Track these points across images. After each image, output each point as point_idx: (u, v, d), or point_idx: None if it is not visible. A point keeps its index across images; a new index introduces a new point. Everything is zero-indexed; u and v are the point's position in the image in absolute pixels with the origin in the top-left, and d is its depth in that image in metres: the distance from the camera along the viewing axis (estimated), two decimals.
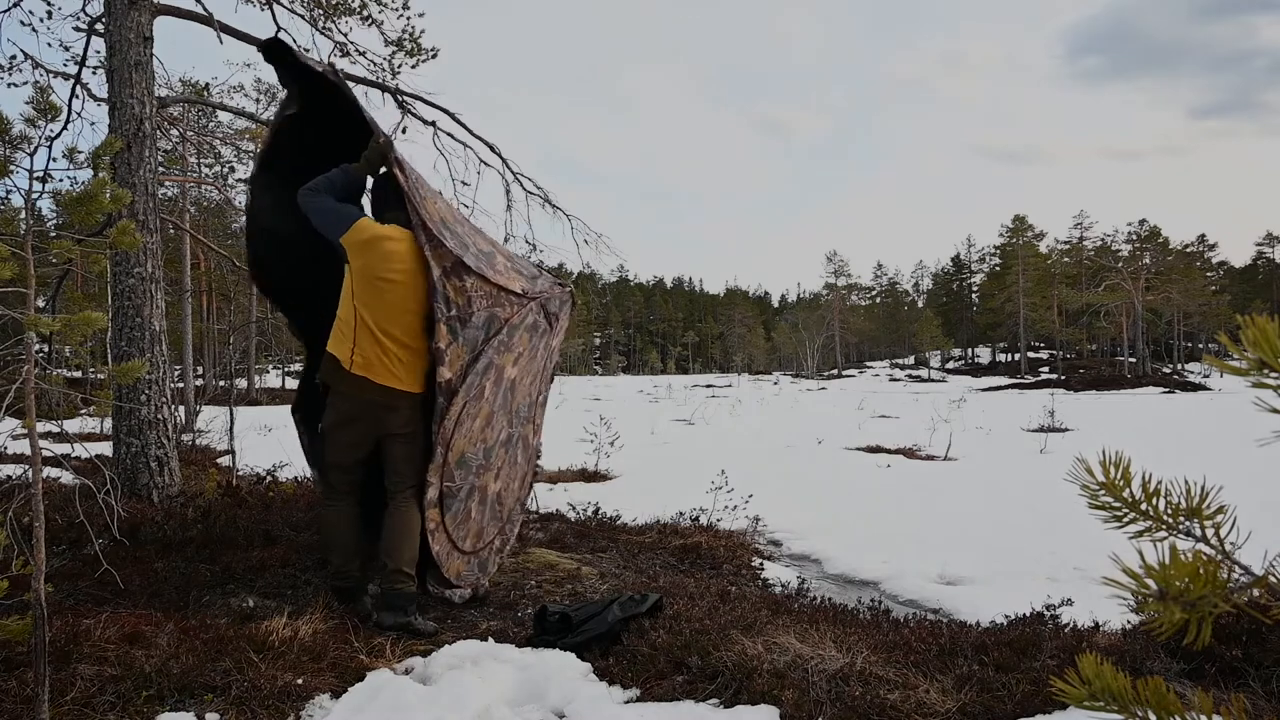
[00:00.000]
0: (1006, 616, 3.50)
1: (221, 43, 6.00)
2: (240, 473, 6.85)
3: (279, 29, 6.57)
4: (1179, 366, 53.75)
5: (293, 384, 34.39)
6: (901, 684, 2.65)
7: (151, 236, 5.20)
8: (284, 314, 4.27)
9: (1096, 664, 0.85)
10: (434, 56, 7.28)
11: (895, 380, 53.98)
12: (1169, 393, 32.96)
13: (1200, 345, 61.96)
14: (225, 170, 20.33)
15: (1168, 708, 0.82)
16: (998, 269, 70.25)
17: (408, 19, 7.11)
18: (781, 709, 2.52)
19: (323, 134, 3.96)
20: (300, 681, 2.67)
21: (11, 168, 2.37)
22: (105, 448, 5.61)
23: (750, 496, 6.64)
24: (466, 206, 7.25)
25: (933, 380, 53.28)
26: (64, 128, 6.37)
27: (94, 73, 6.60)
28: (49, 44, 21.59)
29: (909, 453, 11.72)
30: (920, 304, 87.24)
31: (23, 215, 2.58)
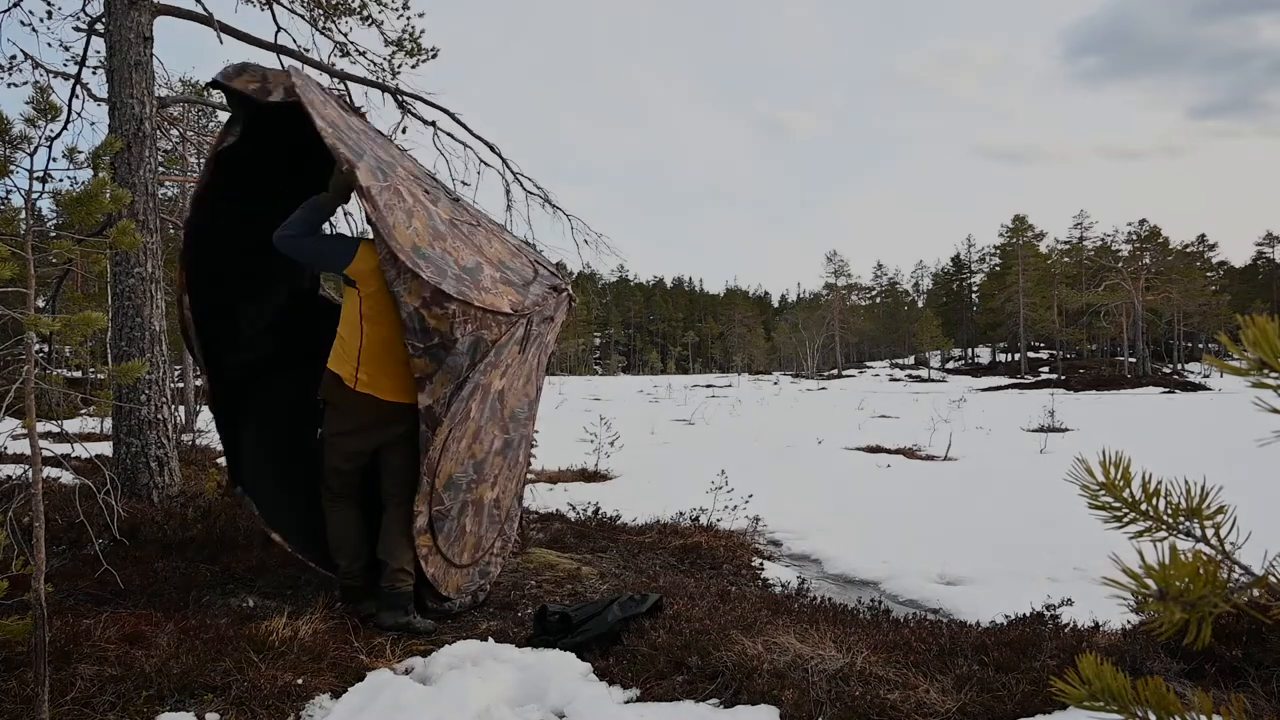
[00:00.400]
0: (1006, 616, 3.50)
1: (221, 43, 6.00)
2: None
3: (279, 29, 6.57)
4: (1179, 366, 53.75)
5: None
6: (901, 684, 2.65)
7: (151, 236, 5.20)
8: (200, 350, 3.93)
9: (1096, 664, 0.85)
10: (434, 56, 7.28)
11: (895, 380, 53.97)
12: (1169, 393, 32.95)
13: (1200, 345, 61.96)
14: None
15: (1168, 708, 0.82)
16: (998, 269, 70.26)
17: (408, 19, 7.11)
18: (781, 709, 2.52)
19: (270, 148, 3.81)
20: (300, 681, 2.67)
21: (11, 168, 2.37)
22: (105, 448, 5.61)
23: (750, 496, 6.64)
24: None
25: (933, 380, 53.27)
26: (64, 128, 6.37)
27: (94, 73, 6.60)
28: (49, 44, 21.61)
29: (909, 453, 11.72)
30: (920, 304, 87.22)
31: (23, 215, 2.58)
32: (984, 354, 78.40)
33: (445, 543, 3.47)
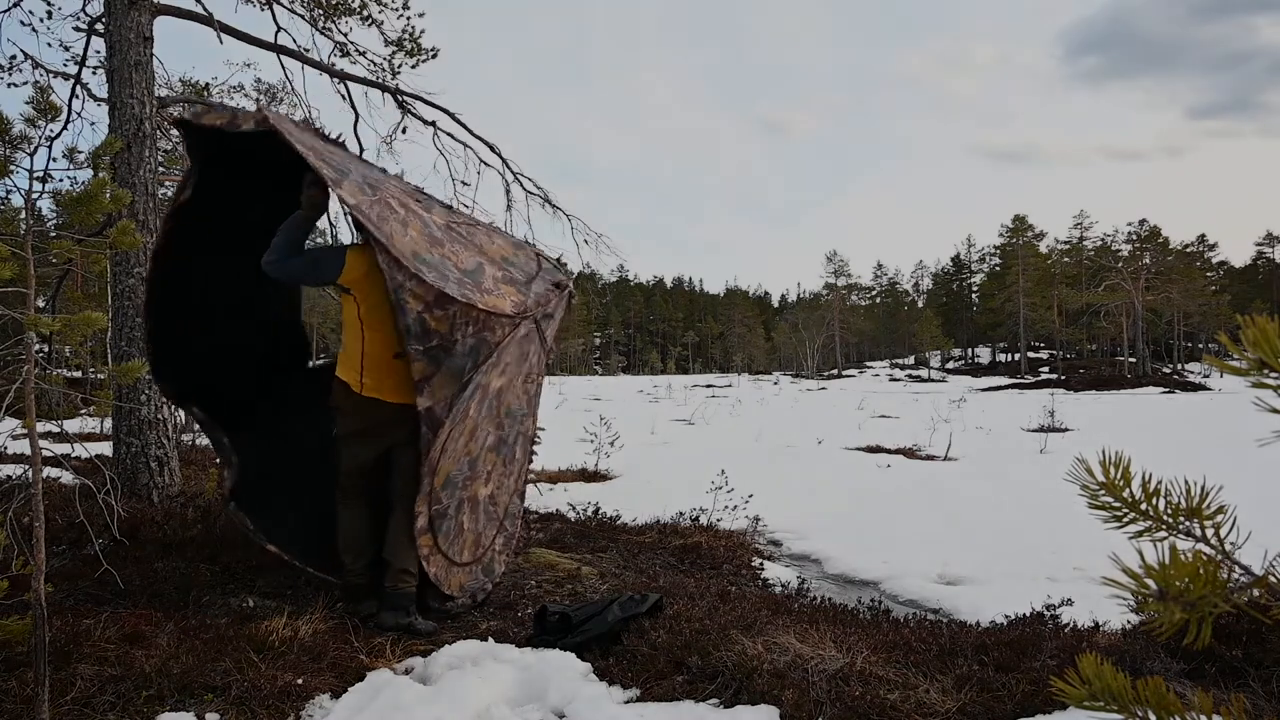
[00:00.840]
0: (1006, 616, 3.50)
1: (221, 43, 6.01)
2: None
3: (279, 29, 6.57)
4: (1179, 366, 53.76)
5: None
6: (901, 684, 2.65)
7: (151, 236, 5.19)
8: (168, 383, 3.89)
9: (1096, 664, 0.85)
10: (434, 56, 7.29)
11: (895, 380, 53.98)
12: (1169, 393, 32.97)
13: (1200, 345, 61.97)
14: None
15: (1168, 708, 0.82)
16: (998, 269, 70.30)
17: (408, 19, 7.11)
18: (781, 709, 2.52)
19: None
20: (300, 681, 2.67)
21: (11, 168, 2.37)
22: (105, 448, 5.61)
23: (750, 496, 6.64)
24: (466, 206, 7.25)
25: (933, 380, 53.28)
26: (64, 128, 6.38)
27: (94, 73, 6.60)
28: (49, 44, 21.60)
29: (909, 453, 11.72)
30: (920, 304, 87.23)
31: (23, 215, 2.58)
32: (984, 354, 78.42)
33: (445, 541, 3.48)
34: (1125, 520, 0.86)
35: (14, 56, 6.88)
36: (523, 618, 3.58)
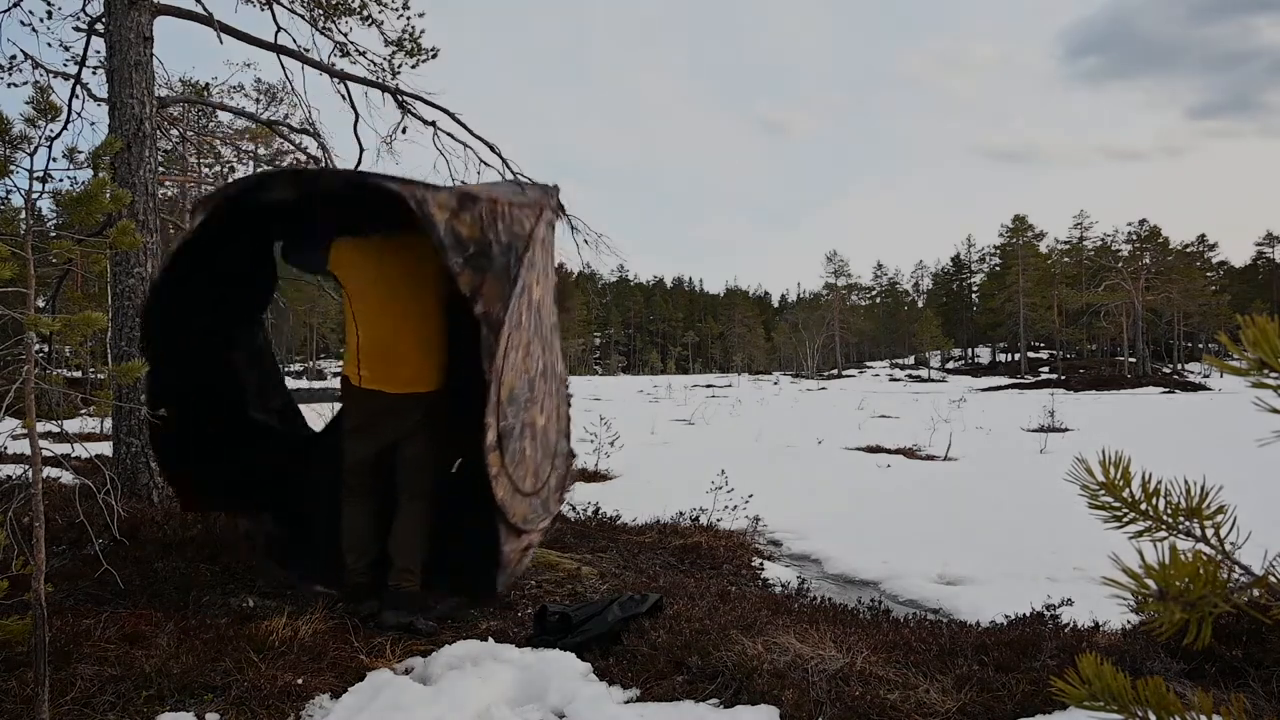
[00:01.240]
0: (1006, 616, 3.50)
1: (221, 43, 6.01)
2: None
3: (279, 29, 6.57)
4: (1179, 366, 53.77)
5: (292, 384, 34.18)
6: (901, 684, 2.65)
7: (151, 237, 5.20)
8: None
9: (1096, 664, 0.85)
10: (434, 56, 7.28)
11: (895, 380, 53.99)
12: (1169, 393, 32.98)
13: (1200, 345, 61.98)
14: (225, 170, 20.31)
15: (1168, 708, 0.82)
16: (998, 269, 70.32)
17: (408, 19, 7.11)
18: (781, 709, 2.52)
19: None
20: (300, 681, 2.67)
21: (11, 168, 2.37)
22: (105, 448, 5.60)
23: (750, 496, 6.64)
24: None
25: (933, 380, 53.29)
26: (64, 128, 6.36)
27: (94, 73, 6.60)
28: (49, 44, 21.57)
29: (909, 453, 11.72)
30: (920, 304, 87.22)
31: (23, 215, 2.57)
32: (984, 354, 78.42)
33: (511, 464, 3.40)
34: (1125, 520, 0.86)
35: (14, 56, 6.88)
36: (523, 618, 3.58)
